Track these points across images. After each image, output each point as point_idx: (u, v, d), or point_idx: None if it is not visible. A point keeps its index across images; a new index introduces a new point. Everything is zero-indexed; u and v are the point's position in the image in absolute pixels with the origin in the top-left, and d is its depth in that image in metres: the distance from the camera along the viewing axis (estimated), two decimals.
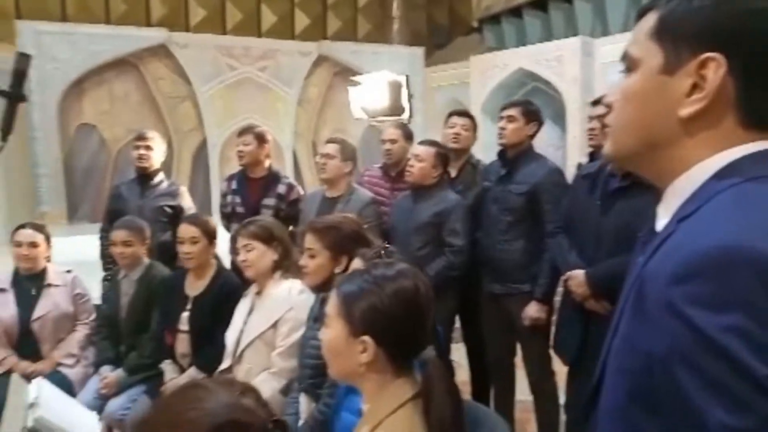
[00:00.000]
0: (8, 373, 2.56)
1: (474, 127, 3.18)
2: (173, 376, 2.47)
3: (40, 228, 2.82)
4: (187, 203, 3.44)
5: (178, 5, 11.24)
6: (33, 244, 2.71)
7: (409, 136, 3.32)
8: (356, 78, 6.08)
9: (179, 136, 10.12)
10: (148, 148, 3.35)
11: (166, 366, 2.51)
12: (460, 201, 2.80)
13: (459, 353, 3.23)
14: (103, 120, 9.65)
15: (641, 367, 0.65)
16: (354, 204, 2.94)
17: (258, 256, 2.23)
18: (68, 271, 2.85)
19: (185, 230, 2.51)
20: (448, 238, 2.72)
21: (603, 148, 0.84)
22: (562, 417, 2.66)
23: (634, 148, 0.75)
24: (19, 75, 1.58)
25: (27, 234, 2.72)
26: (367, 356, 1.11)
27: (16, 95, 1.57)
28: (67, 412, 1.70)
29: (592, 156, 3.16)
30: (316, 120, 11.08)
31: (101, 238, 3.34)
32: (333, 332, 1.16)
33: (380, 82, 5.01)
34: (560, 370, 2.65)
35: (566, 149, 8.55)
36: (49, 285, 2.75)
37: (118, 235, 2.73)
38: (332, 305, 1.18)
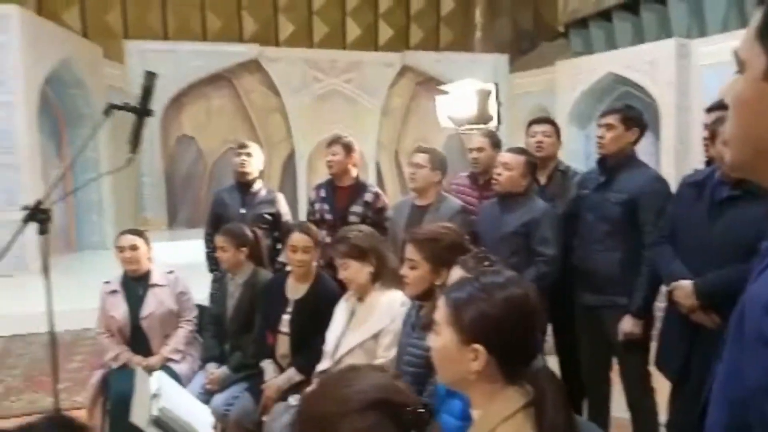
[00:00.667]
0: (123, 367, 2.80)
1: (557, 132, 3.12)
2: (273, 375, 2.59)
3: (138, 232, 3.05)
4: (284, 209, 3.61)
5: (268, 21, 11.75)
6: (133, 248, 2.91)
7: (496, 144, 3.31)
8: (444, 87, 6.12)
9: (270, 146, 10.58)
10: (248, 155, 3.55)
11: (267, 365, 2.63)
12: (550, 209, 2.75)
13: (550, 365, 3.15)
14: (201, 132, 10.26)
15: (739, 399, 0.61)
16: (443, 212, 2.96)
17: (354, 272, 2.31)
18: (170, 272, 3.05)
19: (299, 239, 2.61)
20: (539, 247, 2.67)
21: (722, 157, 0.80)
22: None
23: (748, 158, 0.68)
24: (147, 91, 1.74)
25: (127, 239, 2.93)
26: (478, 364, 1.10)
27: (143, 110, 1.73)
28: (184, 404, 1.83)
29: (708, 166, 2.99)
30: (399, 130, 11.22)
31: (206, 241, 3.57)
32: (442, 340, 1.15)
33: (468, 91, 5.02)
34: (661, 386, 2.54)
35: (659, 156, 8.16)
36: (154, 285, 2.95)
37: (217, 240, 2.92)
38: (441, 313, 1.18)
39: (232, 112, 10.45)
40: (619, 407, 2.82)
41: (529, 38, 12.05)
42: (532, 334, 1.17)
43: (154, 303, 2.92)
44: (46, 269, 1.77)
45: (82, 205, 8.68)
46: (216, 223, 3.39)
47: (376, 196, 3.39)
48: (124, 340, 2.91)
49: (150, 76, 1.75)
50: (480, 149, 3.24)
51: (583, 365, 2.85)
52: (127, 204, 9.42)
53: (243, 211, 3.48)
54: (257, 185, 3.62)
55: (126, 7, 11.57)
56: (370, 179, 9.79)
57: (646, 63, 8.18)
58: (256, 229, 3.08)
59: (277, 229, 3.51)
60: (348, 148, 3.41)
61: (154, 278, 2.97)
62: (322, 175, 3.68)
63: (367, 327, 2.25)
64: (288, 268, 2.81)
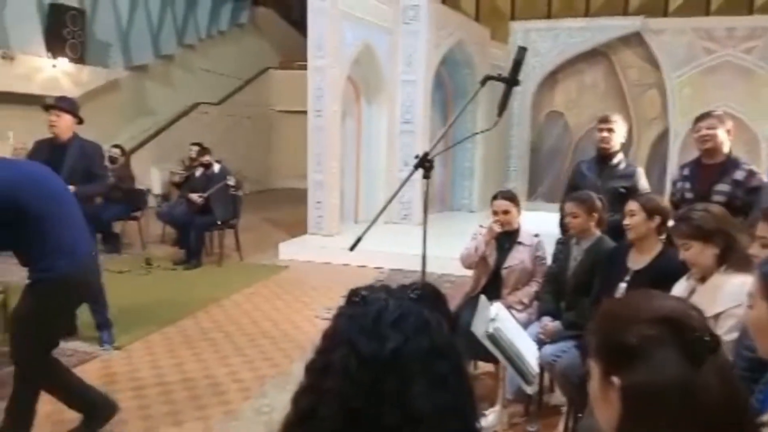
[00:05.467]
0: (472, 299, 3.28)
1: None
2: None
3: (510, 197, 3.42)
4: (643, 184, 3.55)
5: None
6: (505, 212, 3.33)
7: None
8: None
9: (641, 124, 10.04)
10: (610, 130, 3.60)
11: None
12: None
13: None
14: (570, 107, 10.40)
15: None
16: None
17: (696, 253, 2.19)
18: (536, 235, 3.39)
19: (629, 204, 2.68)
20: None
21: None
22: None
23: None
24: (517, 64, 2.01)
25: (501, 204, 3.35)
26: None
27: (512, 80, 2.02)
28: (516, 333, 2.13)
29: None
30: None
31: (561, 209, 3.79)
32: (756, 312, 1.15)
33: None
34: None
35: None
36: (520, 243, 3.34)
37: (567, 206, 3.10)
38: (755, 285, 1.17)
39: (604, 88, 10.24)
40: None
41: None
42: None
43: (516, 257, 3.33)
44: (425, 209, 2.24)
45: (458, 171, 9.91)
46: (572, 192, 3.57)
47: (750, 174, 3.03)
48: (481, 279, 3.40)
49: (521, 51, 2.02)
50: None
51: None
52: (494, 173, 10.32)
53: (599, 183, 3.56)
54: (617, 159, 3.64)
55: None
56: (763, 162, 8.41)
57: None
58: (603, 198, 3.15)
59: None
60: (722, 121, 3.13)
61: (521, 237, 3.36)
62: (694, 156, 3.47)
63: (707, 306, 2.13)
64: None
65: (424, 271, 2.28)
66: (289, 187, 13.59)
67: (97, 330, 4.05)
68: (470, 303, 3.19)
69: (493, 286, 3.36)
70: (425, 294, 0.83)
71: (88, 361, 3.78)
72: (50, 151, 3.90)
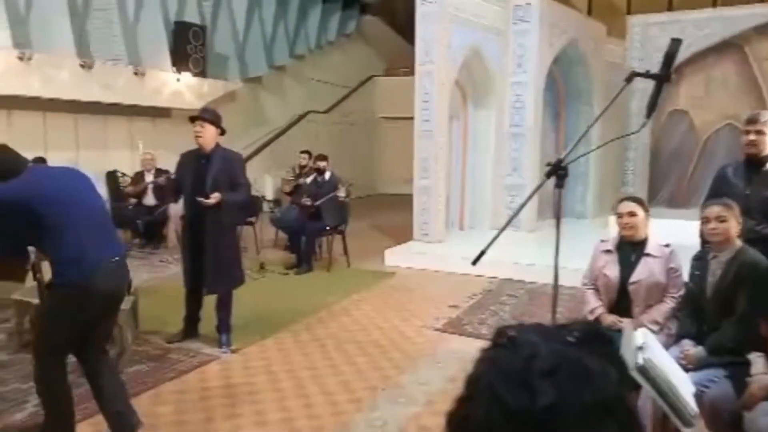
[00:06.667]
0: (595, 322, 3.00)
1: None
2: (763, 371, 2.33)
3: (638, 201, 3.13)
4: None
5: None
6: (631, 214, 3.03)
7: None
8: None
9: None
10: (759, 132, 3.17)
11: (756, 358, 2.38)
12: None
13: None
14: (696, 105, 9.54)
15: None
16: None
17: None
18: (666, 245, 3.04)
19: (625, 206, 2.36)
20: None
21: None
22: None
23: None
24: (669, 57, 1.79)
25: (627, 206, 3.07)
26: None
27: (663, 76, 1.79)
28: (667, 363, 1.88)
29: None
30: None
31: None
32: None
33: None
34: None
35: None
36: (648, 254, 3.02)
37: (712, 211, 2.73)
38: None
39: (736, 83, 9.29)
40: None
41: None
42: None
43: (644, 271, 3.00)
44: (558, 221, 2.06)
45: (571, 175, 9.37)
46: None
47: None
48: (607, 297, 3.11)
49: (674, 43, 1.79)
50: None
51: None
52: (611, 178, 9.69)
53: (747, 192, 3.15)
54: None
55: None
56: None
57: None
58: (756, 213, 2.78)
59: None
60: None
61: (649, 248, 3.04)
62: None
63: None
64: None
65: (556, 287, 2.09)
66: (393, 192, 13.64)
67: (216, 332, 4.19)
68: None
69: (622, 304, 3.07)
70: (586, 336, 0.69)
71: (208, 363, 3.92)
72: (196, 162, 4.09)
